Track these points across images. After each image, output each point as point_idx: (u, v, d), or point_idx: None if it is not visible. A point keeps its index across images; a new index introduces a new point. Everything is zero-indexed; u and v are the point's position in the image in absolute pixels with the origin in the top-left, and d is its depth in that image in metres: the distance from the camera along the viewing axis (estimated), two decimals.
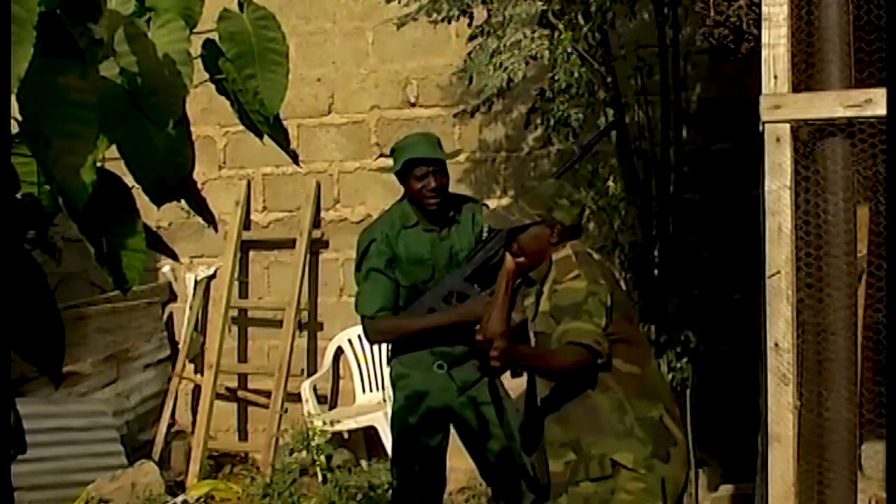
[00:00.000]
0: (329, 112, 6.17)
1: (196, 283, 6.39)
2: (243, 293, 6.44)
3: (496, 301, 3.32)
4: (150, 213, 1.65)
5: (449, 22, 4.64)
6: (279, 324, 6.18)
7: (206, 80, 1.56)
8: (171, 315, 6.55)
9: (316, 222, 6.19)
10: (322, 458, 5.70)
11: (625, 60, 4.80)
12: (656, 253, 4.73)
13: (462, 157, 5.67)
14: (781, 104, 3.04)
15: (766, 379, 3.09)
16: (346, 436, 5.89)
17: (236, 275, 6.34)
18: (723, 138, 5.23)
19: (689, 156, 4.97)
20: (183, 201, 1.60)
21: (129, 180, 1.48)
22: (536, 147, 5.66)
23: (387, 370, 4.21)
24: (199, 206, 1.64)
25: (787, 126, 3.04)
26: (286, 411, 5.98)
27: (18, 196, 1.39)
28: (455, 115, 5.43)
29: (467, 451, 4.05)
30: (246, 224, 6.38)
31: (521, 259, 3.23)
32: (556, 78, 4.32)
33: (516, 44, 4.33)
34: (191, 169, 1.57)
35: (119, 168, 1.47)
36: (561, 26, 4.28)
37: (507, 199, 5.62)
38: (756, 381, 3.41)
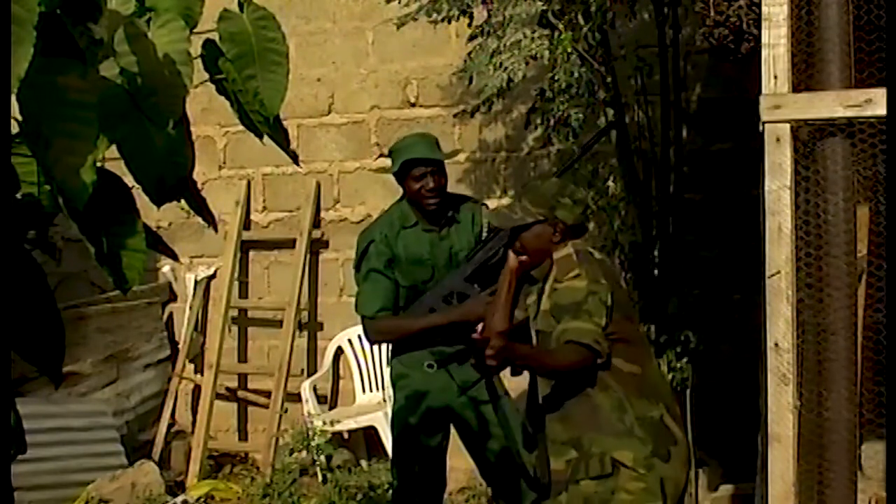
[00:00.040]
0: (329, 112, 6.17)
1: (196, 283, 6.39)
2: (243, 293, 6.44)
3: (499, 299, 3.32)
4: (150, 213, 1.65)
5: (449, 22, 4.64)
6: (279, 324, 6.18)
7: (206, 81, 1.56)
8: (171, 315, 6.55)
9: (316, 222, 6.19)
10: (322, 458, 5.70)
11: (625, 60, 4.80)
12: (656, 253, 4.73)
13: (462, 157, 5.67)
14: (781, 104, 3.04)
15: (766, 379, 3.09)
16: (346, 436, 5.89)
17: (236, 275, 6.34)
18: (723, 138, 5.23)
19: (689, 156, 4.98)
20: (183, 201, 1.60)
21: (129, 180, 1.48)
22: (536, 147, 5.66)
23: (387, 370, 4.21)
24: (199, 206, 1.64)
25: (787, 126, 3.04)
26: (286, 411, 5.98)
27: (18, 196, 1.39)
28: (455, 115, 5.43)
29: (467, 451, 4.05)
30: (246, 224, 6.38)
31: (524, 257, 3.23)
32: (556, 78, 4.32)
33: (516, 44, 4.33)
34: (191, 169, 1.57)
35: (119, 168, 1.47)
36: (561, 26, 4.28)
37: (507, 199, 5.62)
38: (756, 381, 3.41)
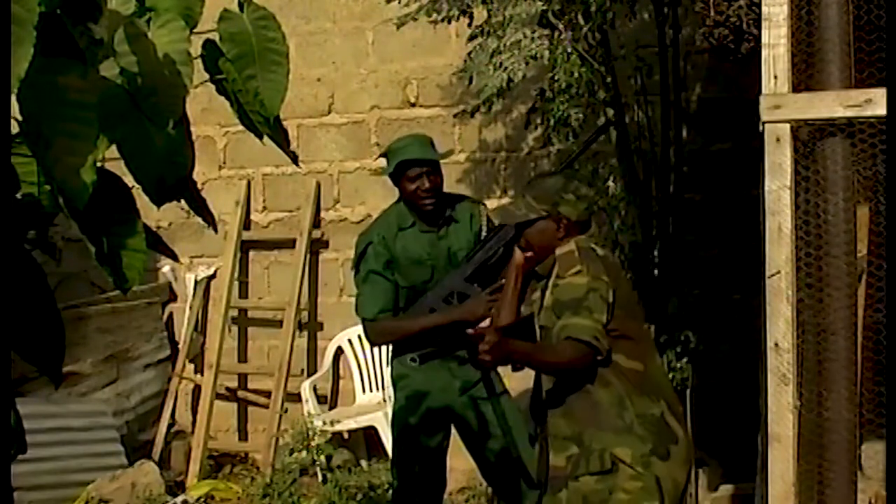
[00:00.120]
0: (329, 112, 6.17)
1: (196, 283, 6.39)
2: (243, 293, 6.44)
3: (506, 294, 3.32)
4: (150, 213, 1.65)
5: (449, 22, 4.64)
6: (279, 324, 6.18)
7: (206, 81, 1.56)
8: (171, 315, 6.55)
9: (316, 222, 6.19)
10: (322, 458, 5.70)
11: (625, 60, 4.80)
12: (656, 253, 4.73)
13: (462, 157, 5.67)
14: (781, 104, 3.04)
15: (766, 379, 3.09)
16: (346, 436, 5.89)
17: (236, 275, 6.34)
18: (723, 138, 5.23)
19: (689, 156, 4.98)
20: (183, 201, 1.60)
21: (129, 180, 1.48)
22: (536, 147, 5.66)
23: (387, 370, 4.21)
24: (199, 206, 1.64)
25: (787, 126, 3.05)
26: (286, 411, 5.98)
27: (18, 196, 1.39)
28: (455, 115, 5.42)
29: (468, 451, 4.05)
30: (246, 224, 6.38)
31: (530, 253, 3.23)
32: (556, 78, 4.32)
33: (516, 44, 4.33)
34: (191, 169, 1.57)
35: (119, 168, 1.47)
36: (561, 26, 4.28)
37: (507, 199, 5.63)
38: (756, 381, 3.41)
